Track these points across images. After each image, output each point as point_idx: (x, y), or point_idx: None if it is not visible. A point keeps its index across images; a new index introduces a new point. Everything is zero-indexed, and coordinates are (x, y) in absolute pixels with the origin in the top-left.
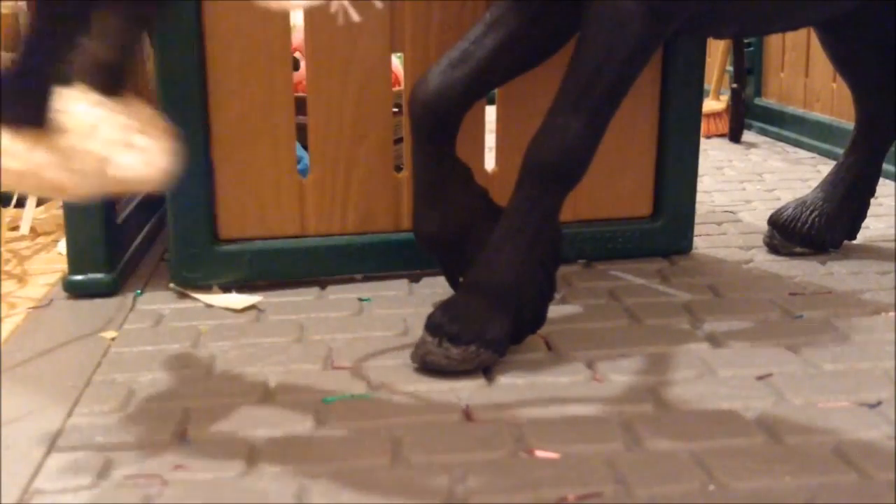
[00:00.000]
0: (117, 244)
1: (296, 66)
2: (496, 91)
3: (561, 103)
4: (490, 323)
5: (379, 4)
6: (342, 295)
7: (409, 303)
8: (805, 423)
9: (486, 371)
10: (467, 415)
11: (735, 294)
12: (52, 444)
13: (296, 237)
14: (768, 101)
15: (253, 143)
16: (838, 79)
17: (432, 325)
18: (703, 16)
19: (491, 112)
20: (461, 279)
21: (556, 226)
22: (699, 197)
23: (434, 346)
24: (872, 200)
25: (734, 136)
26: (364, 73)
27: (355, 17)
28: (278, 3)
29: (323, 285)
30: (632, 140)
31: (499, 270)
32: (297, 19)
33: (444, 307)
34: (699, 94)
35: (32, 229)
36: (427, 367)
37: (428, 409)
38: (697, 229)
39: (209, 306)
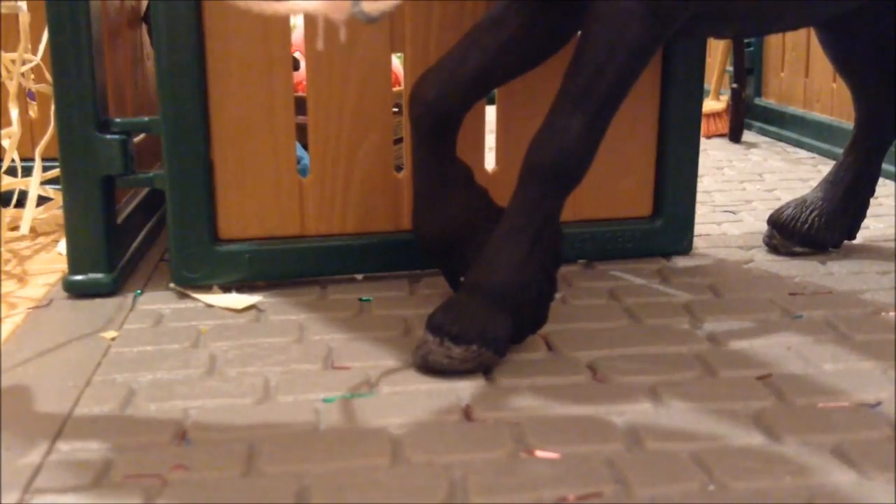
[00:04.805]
0: (117, 244)
1: (296, 66)
2: (496, 91)
3: (561, 104)
4: (491, 323)
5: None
6: (342, 295)
7: (410, 303)
8: (805, 423)
9: (487, 371)
10: (467, 415)
11: (735, 294)
12: (53, 444)
13: (296, 237)
14: (768, 101)
15: (253, 144)
16: (838, 79)
17: (434, 325)
18: (703, 16)
19: (491, 112)
20: (461, 280)
21: (557, 226)
22: (699, 197)
23: (435, 346)
24: (872, 200)
25: (734, 136)
26: (364, 73)
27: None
28: (280, 4)
29: (323, 285)
30: (632, 140)
31: (500, 270)
32: (297, 19)
33: (444, 307)
34: (699, 94)
35: (32, 229)
36: (429, 366)
37: (428, 409)
38: (697, 229)
39: (209, 306)
